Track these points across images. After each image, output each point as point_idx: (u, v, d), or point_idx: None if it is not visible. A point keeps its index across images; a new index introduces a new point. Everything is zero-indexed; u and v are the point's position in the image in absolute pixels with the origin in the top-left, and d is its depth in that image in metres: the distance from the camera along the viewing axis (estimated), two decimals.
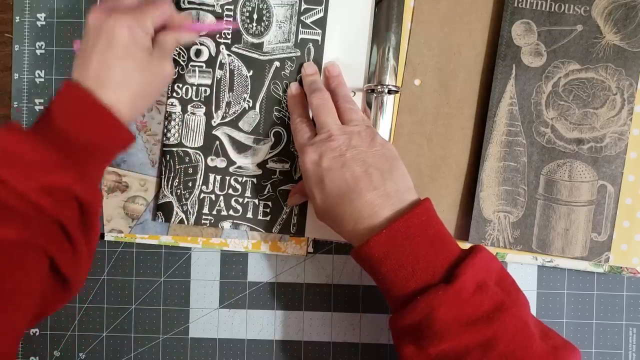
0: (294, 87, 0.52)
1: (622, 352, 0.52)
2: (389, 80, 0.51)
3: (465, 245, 0.51)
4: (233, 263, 0.54)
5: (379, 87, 0.50)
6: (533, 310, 0.52)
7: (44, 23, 0.54)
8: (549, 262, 0.52)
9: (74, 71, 0.43)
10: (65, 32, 0.53)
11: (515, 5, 0.50)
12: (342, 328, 0.53)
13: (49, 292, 0.41)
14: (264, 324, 0.54)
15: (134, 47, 0.43)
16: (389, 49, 0.51)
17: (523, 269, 0.53)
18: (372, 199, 0.42)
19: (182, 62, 0.52)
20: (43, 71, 0.54)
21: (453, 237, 0.43)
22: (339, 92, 0.49)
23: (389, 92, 0.51)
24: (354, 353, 0.53)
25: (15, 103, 0.54)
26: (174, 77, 0.51)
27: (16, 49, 0.54)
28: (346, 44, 0.52)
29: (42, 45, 0.54)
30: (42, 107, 0.53)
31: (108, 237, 0.53)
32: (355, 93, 0.52)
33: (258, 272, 0.54)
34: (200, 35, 0.52)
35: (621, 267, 0.51)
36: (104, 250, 0.53)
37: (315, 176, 0.44)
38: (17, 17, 0.54)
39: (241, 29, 0.52)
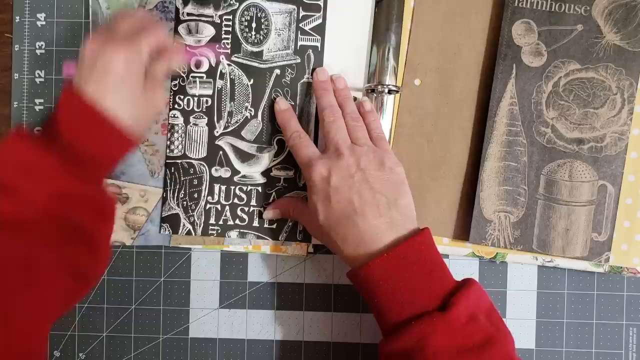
0: (281, 102, 0.51)
1: (622, 352, 0.52)
2: (389, 80, 0.51)
3: (465, 246, 0.52)
4: (233, 263, 0.54)
5: (379, 87, 0.50)
6: (533, 310, 0.53)
7: (44, 23, 0.54)
8: (549, 262, 0.52)
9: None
10: (66, 32, 0.53)
11: (516, 4, 0.50)
12: (342, 328, 0.53)
13: (71, 291, 0.42)
14: (264, 324, 0.54)
15: (129, 78, 0.42)
16: (389, 49, 0.51)
17: (523, 269, 0.53)
18: (377, 225, 0.43)
19: (182, 74, 0.52)
20: (43, 71, 0.53)
21: (448, 268, 0.43)
22: (345, 108, 0.49)
23: (389, 92, 0.51)
24: (354, 353, 0.53)
25: (15, 103, 0.54)
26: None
27: (16, 49, 0.54)
28: (346, 45, 0.52)
29: (42, 45, 0.53)
30: (42, 107, 0.53)
31: None
32: (356, 98, 0.52)
33: (258, 272, 0.54)
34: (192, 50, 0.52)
35: (621, 267, 0.51)
36: None
37: (323, 192, 0.44)
38: (17, 17, 0.54)
39: (240, 38, 0.51)
